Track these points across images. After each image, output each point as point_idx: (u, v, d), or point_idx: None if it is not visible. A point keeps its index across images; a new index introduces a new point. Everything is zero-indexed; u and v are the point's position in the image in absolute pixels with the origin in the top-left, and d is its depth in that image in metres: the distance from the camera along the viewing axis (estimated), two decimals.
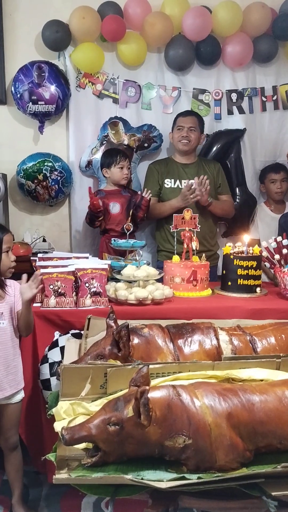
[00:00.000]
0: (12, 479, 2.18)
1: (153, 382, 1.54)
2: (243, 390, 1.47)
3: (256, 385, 1.53)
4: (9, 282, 2.12)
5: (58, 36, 3.31)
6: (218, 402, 1.41)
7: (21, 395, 2.14)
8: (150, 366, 1.53)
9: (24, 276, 2.06)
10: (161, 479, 1.31)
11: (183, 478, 1.32)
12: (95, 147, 3.47)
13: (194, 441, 1.35)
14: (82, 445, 1.42)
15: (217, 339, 1.90)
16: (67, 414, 1.55)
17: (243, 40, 3.46)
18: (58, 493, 2.34)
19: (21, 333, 2.14)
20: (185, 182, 3.22)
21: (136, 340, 1.83)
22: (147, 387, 1.34)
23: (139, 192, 3.21)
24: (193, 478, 1.31)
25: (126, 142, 3.44)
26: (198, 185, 3.02)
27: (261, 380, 1.61)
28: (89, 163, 3.47)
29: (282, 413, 1.43)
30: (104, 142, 3.46)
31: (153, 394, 1.38)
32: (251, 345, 1.91)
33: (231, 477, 1.33)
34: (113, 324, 1.85)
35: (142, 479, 1.31)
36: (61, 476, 1.34)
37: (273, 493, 1.32)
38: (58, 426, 1.48)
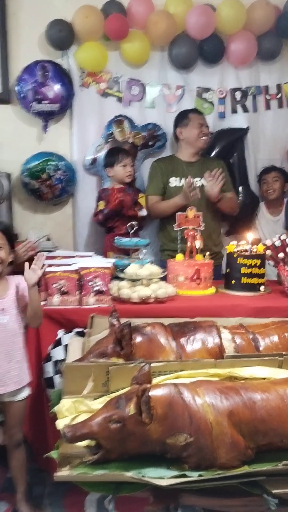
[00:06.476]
0: (16, 476, 2.20)
1: (155, 380, 1.54)
2: (245, 388, 1.47)
3: (258, 383, 1.53)
4: (13, 278, 2.11)
5: (61, 35, 3.32)
6: (220, 400, 1.41)
7: (26, 392, 2.14)
8: (152, 365, 1.53)
9: (26, 264, 2.06)
10: (162, 476, 1.32)
11: (184, 476, 1.32)
12: (100, 145, 3.48)
13: (195, 439, 1.35)
14: (84, 443, 1.42)
15: (220, 337, 1.90)
16: (69, 412, 1.56)
17: (247, 38, 3.45)
18: (61, 490, 2.34)
19: (31, 324, 2.12)
20: None
21: (138, 339, 1.83)
22: (149, 385, 1.35)
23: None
24: (194, 475, 1.32)
25: (130, 140, 3.44)
26: (210, 179, 3.02)
27: (263, 379, 1.61)
28: (94, 160, 3.48)
29: (283, 412, 1.42)
30: (109, 140, 3.47)
31: (154, 392, 1.38)
32: (254, 343, 1.91)
33: (232, 475, 1.33)
34: (115, 323, 1.86)
35: (143, 476, 1.31)
36: (63, 473, 1.35)
37: (274, 491, 1.32)
38: (60, 424, 1.49)
